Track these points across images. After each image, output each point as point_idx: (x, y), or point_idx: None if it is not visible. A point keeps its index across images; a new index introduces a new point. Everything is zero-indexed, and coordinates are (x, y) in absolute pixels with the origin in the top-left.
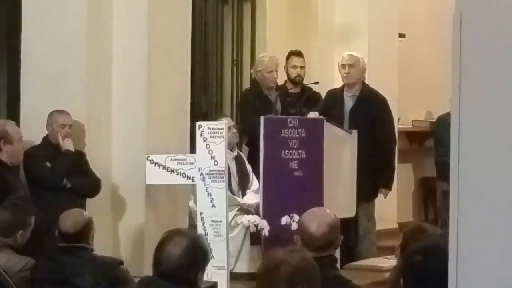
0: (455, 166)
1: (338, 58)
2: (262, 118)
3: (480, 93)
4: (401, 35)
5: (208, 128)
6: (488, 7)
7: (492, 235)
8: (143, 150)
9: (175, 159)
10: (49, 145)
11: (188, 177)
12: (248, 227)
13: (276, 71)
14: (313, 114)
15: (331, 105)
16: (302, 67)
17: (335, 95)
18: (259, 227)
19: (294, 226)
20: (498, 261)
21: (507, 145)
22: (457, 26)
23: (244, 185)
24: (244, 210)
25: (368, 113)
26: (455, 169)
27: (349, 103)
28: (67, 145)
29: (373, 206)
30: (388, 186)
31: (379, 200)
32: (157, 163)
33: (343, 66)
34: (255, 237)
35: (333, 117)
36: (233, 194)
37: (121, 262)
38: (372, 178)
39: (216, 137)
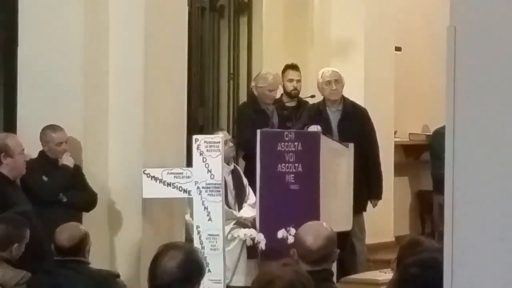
0: (450, 177)
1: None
2: (258, 131)
3: (475, 106)
4: (398, 49)
5: (205, 141)
6: (482, 20)
7: (487, 247)
8: (139, 163)
9: (172, 173)
10: (45, 159)
11: (185, 191)
12: (244, 241)
13: (277, 90)
14: (315, 128)
15: (315, 120)
16: (298, 81)
17: (319, 110)
18: (255, 241)
19: (291, 239)
20: (493, 272)
21: (502, 157)
22: (451, 39)
23: (240, 199)
24: (241, 223)
25: (354, 125)
26: (449, 180)
27: (334, 117)
28: (66, 160)
29: (363, 217)
30: (378, 196)
31: (376, 213)
32: (154, 176)
33: (328, 82)
34: (251, 250)
35: None
36: (230, 207)
37: (118, 276)
38: (363, 190)
39: (213, 150)
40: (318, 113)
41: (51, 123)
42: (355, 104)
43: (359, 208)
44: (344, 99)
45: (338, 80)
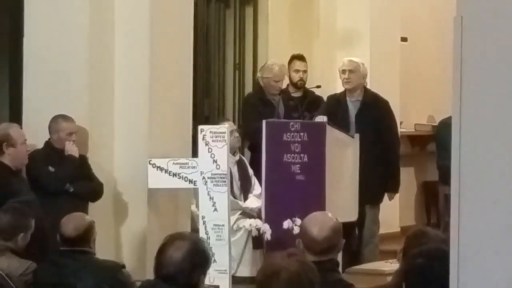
0: (456, 168)
1: (339, 63)
2: (264, 122)
3: (481, 96)
4: (403, 39)
5: (210, 132)
6: (489, 10)
7: (493, 238)
8: (145, 154)
9: (177, 163)
10: (51, 149)
11: (190, 181)
12: (250, 231)
13: (283, 81)
14: (322, 118)
15: (334, 111)
16: (305, 71)
17: (338, 101)
18: (261, 231)
19: (296, 230)
20: (499, 263)
21: (508, 147)
22: (458, 29)
23: (246, 189)
24: (246, 214)
25: (373, 117)
26: (456, 171)
27: (353, 108)
28: (72, 150)
29: (378, 209)
30: (395, 189)
31: (382, 203)
32: (159, 167)
33: (343, 71)
34: (257, 241)
35: (337, 122)
36: (235, 198)
37: (123, 266)
38: (379, 181)
39: (218, 141)
40: (337, 103)
41: (59, 114)
42: (375, 95)
43: (375, 200)
44: (365, 90)
45: (352, 70)
